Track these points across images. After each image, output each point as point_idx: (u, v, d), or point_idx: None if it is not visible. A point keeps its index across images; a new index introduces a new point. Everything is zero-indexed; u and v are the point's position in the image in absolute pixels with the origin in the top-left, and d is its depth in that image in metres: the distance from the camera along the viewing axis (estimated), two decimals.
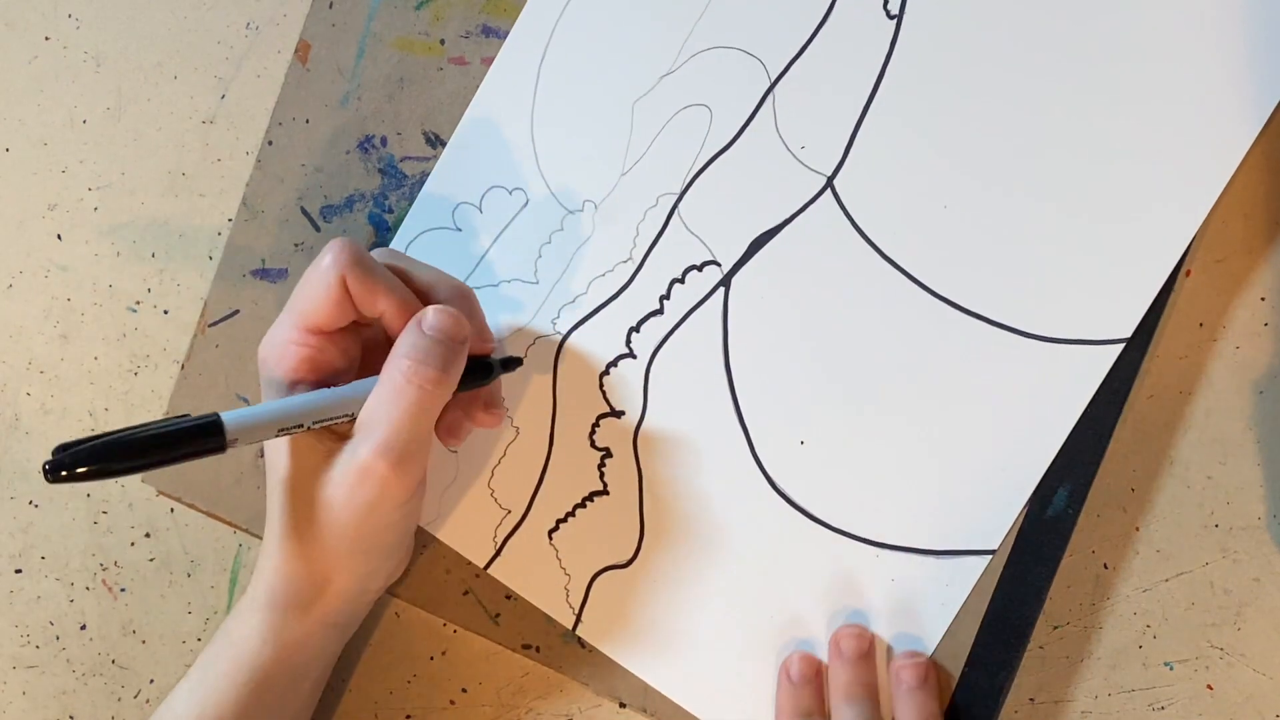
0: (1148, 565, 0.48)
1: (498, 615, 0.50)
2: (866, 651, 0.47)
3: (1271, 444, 0.47)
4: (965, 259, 0.47)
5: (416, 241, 0.50)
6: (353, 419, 0.43)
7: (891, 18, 0.48)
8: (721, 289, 0.49)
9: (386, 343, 0.43)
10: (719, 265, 0.49)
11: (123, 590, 0.52)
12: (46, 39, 0.52)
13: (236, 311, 0.51)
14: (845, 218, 0.48)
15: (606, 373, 0.49)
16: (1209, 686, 0.48)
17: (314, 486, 0.43)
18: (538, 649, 0.50)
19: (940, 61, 0.48)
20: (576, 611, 0.49)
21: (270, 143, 0.51)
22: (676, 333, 0.49)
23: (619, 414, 0.49)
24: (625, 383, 0.49)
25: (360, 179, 0.50)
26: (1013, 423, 0.47)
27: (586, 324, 0.49)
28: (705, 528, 0.48)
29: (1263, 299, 0.48)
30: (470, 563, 0.50)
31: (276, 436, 0.42)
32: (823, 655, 0.48)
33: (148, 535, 0.52)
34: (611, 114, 0.49)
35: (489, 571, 0.50)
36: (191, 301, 0.51)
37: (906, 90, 0.48)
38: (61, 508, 0.52)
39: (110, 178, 0.52)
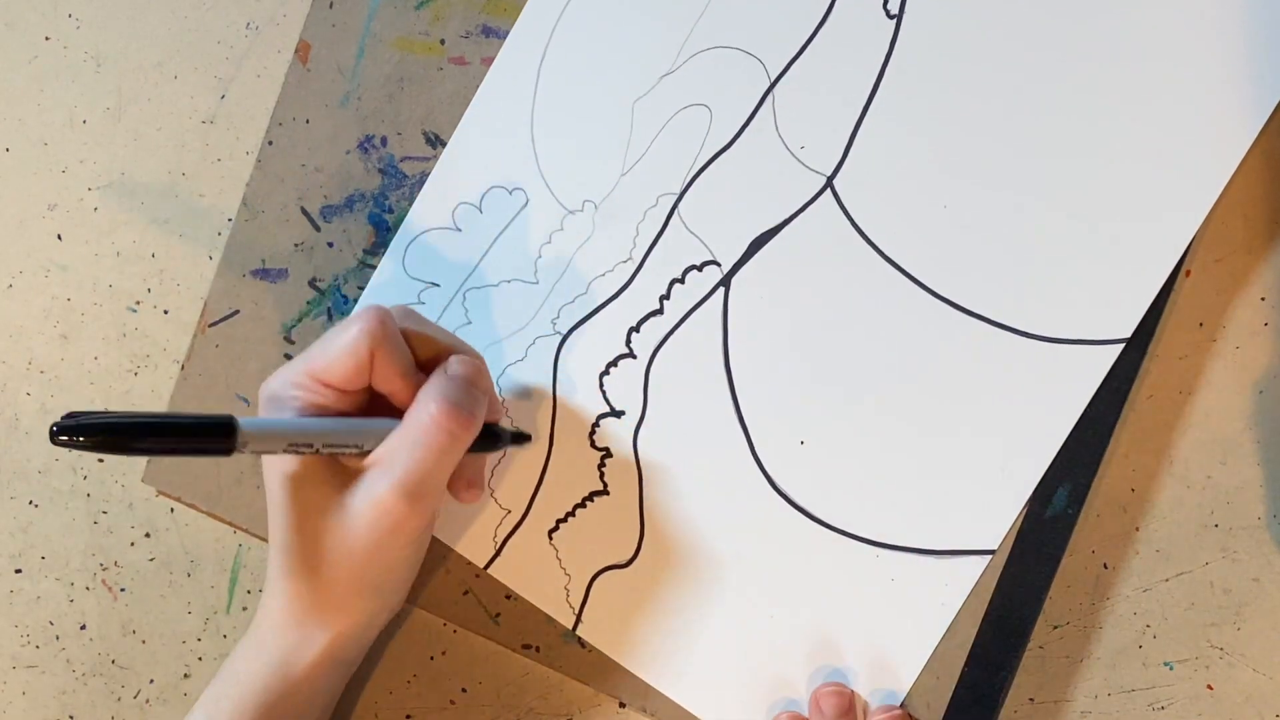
0: (1148, 565, 0.48)
1: (498, 615, 0.50)
2: (847, 709, 0.47)
3: (1271, 444, 0.47)
4: (965, 259, 0.47)
5: (416, 241, 0.50)
6: (361, 452, 0.43)
7: (891, 18, 0.48)
8: (721, 289, 0.49)
9: (387, 402, 0.43)
10: (719, 265, 0.49)
11: (123, 590, 0.52)
12: (46, 39, 0.52)
13: (236, 311, 0.51)
14: (845, 218, 0.48)
15: (606, 373, 0.49)
16: (1209, 686, 0.48)
17: (323, 520, 0.42)
18: (538, 649, 0.50)
19: (940, 62, 0.48)
20: (576, 611, 0.49)
21: (270, 143, 0.51)
22: (676, 333, 0.49)
23: (619, 414, 0.49)
24: (625, 383, 0.49)
25: (360, 179, 0.50)
26: (1013, 423, 0.47)
27: (586, 324, 0.49)
28: (705, 527, 0.48)
29: (1263, 299, 0.48)
30: (470, 563, 0.50)
31: (284, 451, 0.41)
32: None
33: (148, 535, 0.52)
34: (611, 114, 0.49)
35: (489, 571, 0.50)
36: (191, 301, 0.51)
37: (906, 90, 0.48)
38: (62, 508, 0.52)
39: (110, 178, 0.52)
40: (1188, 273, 0.48)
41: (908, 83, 0.48)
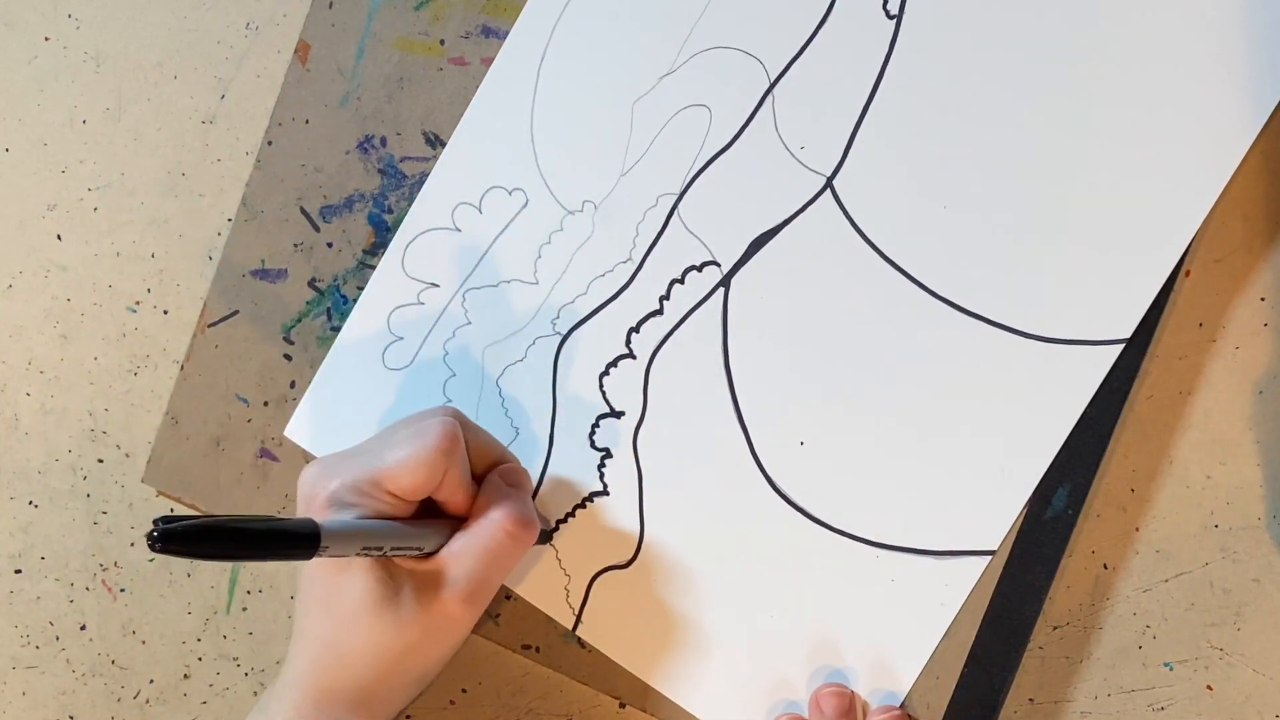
0: (1148, 565, 0.48)
1: (498, 615, 0.50)
2: (847, 709, 0.47)
3: (1271, 444, 0.47)
4: (965, 259, 0.47)
5: (416, 241, 0.50)
6: (423, 554, 0.43)
7: (891, 18, 0.48)
8: (721, 289, 0.49)
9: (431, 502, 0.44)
10: (719, 265, 0.49)
11: (123, 590, 0.52)
12: (46, 39, 0.52)
13: (236, 312, 0.51)
14: (845, 218, 0.48)
15: (606, 373, 0.49)
16: (1209, 686, 0.48)
17: (368, 618, 0.42)
18: (538, 649, 0.50)
19: (940, 62, 0.48)
20: (576, 611, 0.49)
21: (270, 143, 0.51)
22: (676, 333, 0.49)
23: (619, 414, 0.49)
24: (625, 383, 0.49)
25: (360, 179, 0.50)
26: (1013, 423, 0.47)
27: (586, 324, 0.49)
28: (705, 528, 0.48)
29: (1263, 299, 0.48)
30: None
31: (357, 555, 0.41)
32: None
33: None
34: (611, 114, 0.49)
35: None
36: (191, 301, 0.51)
37: (906, 90, 0.48)
38: (61, 508, 0.52)
39: (110, 178, 0.52)
40: (1188, 273, 0.48)
41: (907, 83, 0.48)
